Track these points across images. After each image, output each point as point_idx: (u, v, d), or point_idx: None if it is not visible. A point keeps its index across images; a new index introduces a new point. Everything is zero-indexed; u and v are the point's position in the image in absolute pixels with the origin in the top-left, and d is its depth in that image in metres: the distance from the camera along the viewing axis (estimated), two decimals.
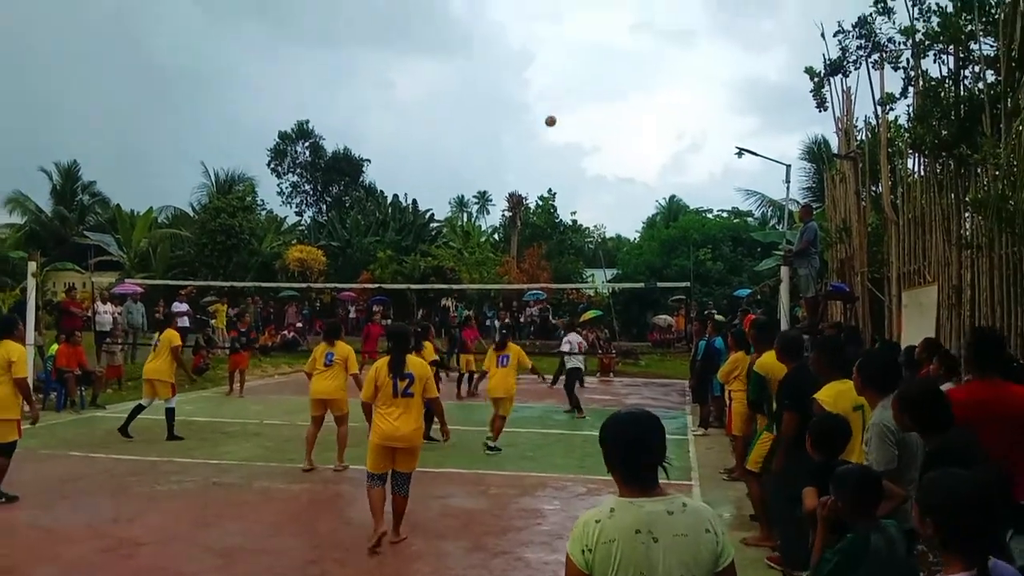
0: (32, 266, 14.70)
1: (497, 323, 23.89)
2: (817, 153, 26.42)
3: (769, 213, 36.03)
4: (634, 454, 2.42)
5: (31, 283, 14.44)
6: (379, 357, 12.00)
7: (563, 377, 14.95)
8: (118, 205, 38.92)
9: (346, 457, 9.21)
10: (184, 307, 21.11)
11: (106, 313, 17.80)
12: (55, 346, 14.16)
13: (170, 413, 11.09)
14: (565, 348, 14.91)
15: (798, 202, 23.87)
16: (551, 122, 13.48)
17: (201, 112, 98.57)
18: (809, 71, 13.58)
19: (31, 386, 11.10)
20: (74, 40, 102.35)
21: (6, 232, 37.42)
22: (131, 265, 33.70)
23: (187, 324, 21.05)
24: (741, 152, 24.93)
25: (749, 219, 38.32)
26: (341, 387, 9.28)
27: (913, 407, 3.64)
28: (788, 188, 21.21)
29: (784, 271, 11.91)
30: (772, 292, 23.55)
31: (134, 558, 6.28)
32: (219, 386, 17.39)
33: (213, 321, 22.42)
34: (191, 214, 39.04)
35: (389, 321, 30.16)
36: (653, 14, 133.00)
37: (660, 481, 2.44)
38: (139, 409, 11.07)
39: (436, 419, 7.24)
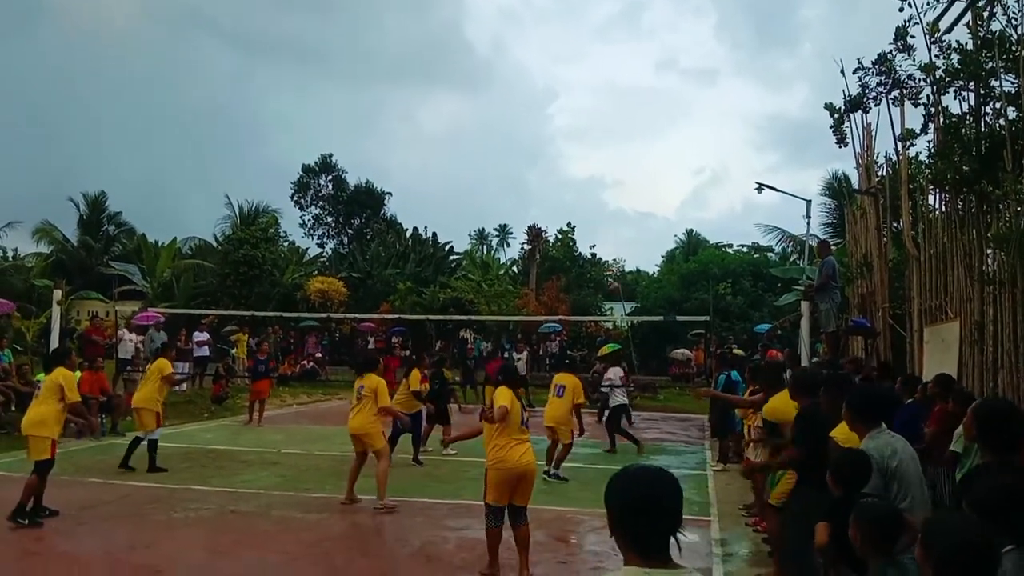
0: (57, 294, 14.97)
1: (515, 355, 23.78)
2: (837, 189, 26.32)
3: (789, 248, 35.88)
4: (651, 519, 2.11)
5: (56, 311, 14.69)
6: (396, 388, 12.05)
7: (607, 411, 14.70)
8: (143, 235, 39.61)
9: (358, 488, 9.11)
10: (205, 336, 21.29)
11: (129, 341, 17.97)
12: (78, 373, 14.29)
13: (152, 445, 10.78)
14: (608, 384, 14.79)
15: (818, 237, 23.75)
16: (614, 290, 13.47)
17: (226, 146, 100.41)
18: (829, 107, 13.57)
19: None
20: (103, 74, 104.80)
21: (33, 261, 38.08)
22: (154, 294, 34.11)
23: (207, 353, 21.26)
24: (761, 187, 25.03)
25: (769, 254, 38.22)
26: (371, 421, 8.98)
27: (986, 423, 3.67)
28: (808, 223, 21.20)
29: (805, 306, 11.85)
30: (793, 327, 23.39)
31: None
32: (238, 415, 17.45)
33: (234, 351, 22.56)
34: (214, 245, 39.55)
35: (407, 352, 30.28)
36: (677, 53, 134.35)
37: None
38: (137, 441, 10.89)
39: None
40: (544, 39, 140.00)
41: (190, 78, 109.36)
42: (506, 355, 31.70)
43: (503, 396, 6.45)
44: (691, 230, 50.64)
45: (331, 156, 52.40)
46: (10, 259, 37.94)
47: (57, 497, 8.96)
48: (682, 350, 27.79)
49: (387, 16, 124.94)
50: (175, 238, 39.11)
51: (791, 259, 35.32)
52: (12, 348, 17.22)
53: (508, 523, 6.40)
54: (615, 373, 14.98)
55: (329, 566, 6.86)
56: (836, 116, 13.62)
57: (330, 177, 52.28)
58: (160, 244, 38.07)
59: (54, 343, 14.27)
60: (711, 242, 46.34)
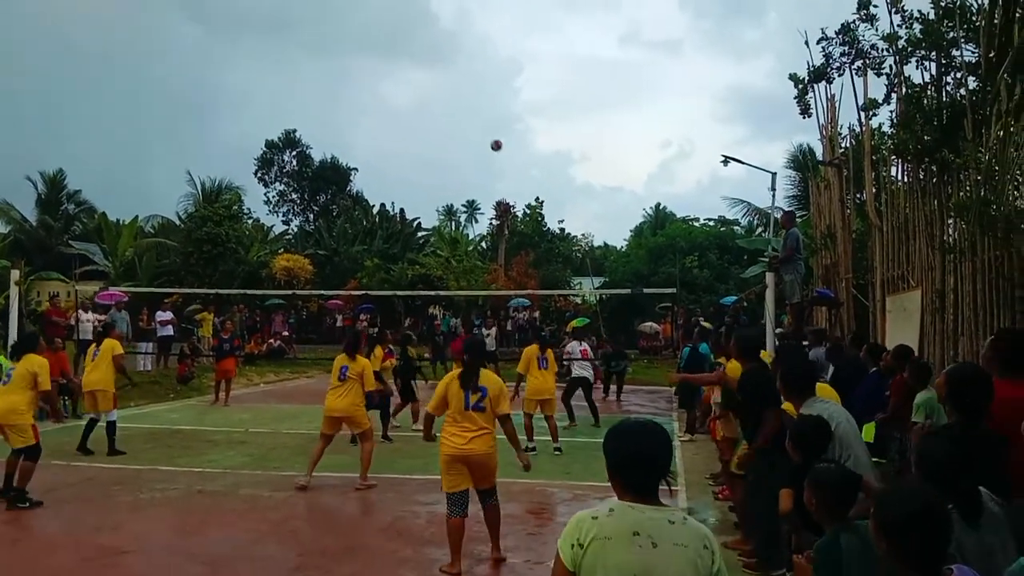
0: (15, 274, 14.57)
1: (484, 330, 23.75)
2: (802, 161, 26.58)
3: (755, 221, 36.23)
4: (641, 465, 2.40)
5: (14, 292, 14.30)
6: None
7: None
8: (104, 214, 38.71)
9: (324, 466, 9.09)
10: (168, 315, 20.94)
11: (88, 322, 17.63)
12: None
13: (111, 427, 10.62)
14: (567, 358, 14.91)
15: (783, 210, 24.01)
16: (496, 146, 13.08)
17: (188, 121, 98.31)
18: (793, 78, 13.65)
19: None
20: (59, 49, 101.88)
21: None
22: (116, 274, 33.46)
23: (171, 333, 20.94)
24: (727, 160, 24.99)
25: (735, 227, 38.56)
26: (356, 403, 8.90)
27: (958, 386, 3.74)
28: (774, 196, 21.31)
29: (770, 277, 11.95)
30: (758, 299, 23.65)
31: (116, 567, 6.22)
32: (204, 395, 17.27)
33: (199, 330, 22.27)
34: (177, 223, 38.87)
35: (375, 330, 30.11)
36: (640, 25, 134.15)
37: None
38: (92, 424, 10.69)
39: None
40: (509, 10, 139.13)
41: (149, 51, 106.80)
42: (475, 331, 31.77)
43: (440, 384, 6.29)
44: (659, 204, 50.87)
45: (295, 131, 51.63)
46: None
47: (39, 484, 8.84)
48: (650, 323, 28.02)
49: None
50: (136, 216, 38.33)
51: (757, 232, 35.68)
52: None
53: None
54: (574, 347, 15.05)
55: (297, 543, 6.82)
56: (800, 87, 13.72)
57: (294, 153, 51.52)
58: (122, 223, 37.26)
59: (13, 325, 13.94)
60: (678, 216, 46.59)
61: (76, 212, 42.20)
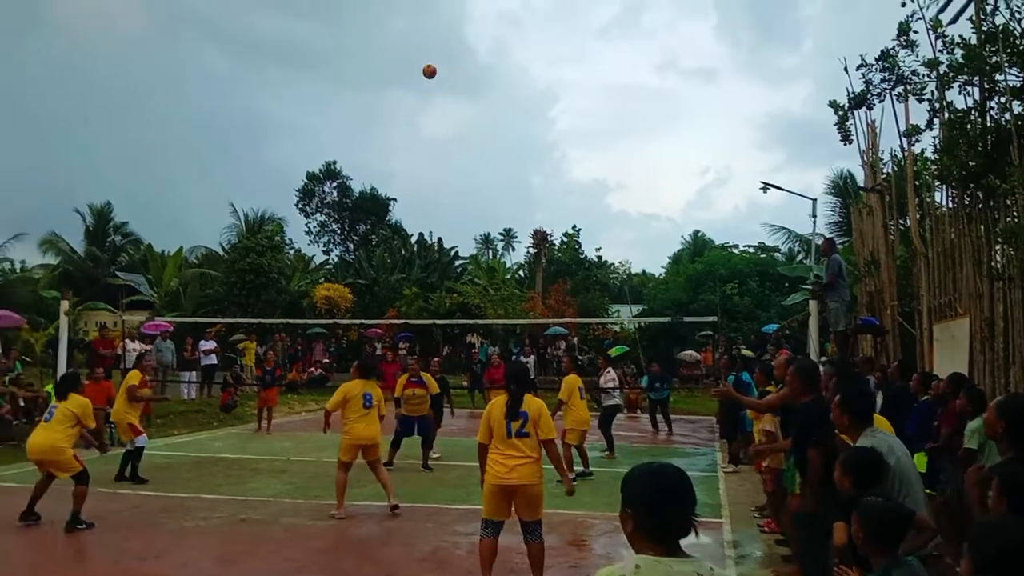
0: (64, 305, 15.02)
1: (523, 358, 23.72)
2: (843, 187, 26.27)
3: (796, 248, 35.82)
4: (666, 510, 2.23)
5: (63, 322, 14.74)
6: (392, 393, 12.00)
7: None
8: (149, 245, 39.72)
9: (364, 495, 9.13)
10: (212, 345, 21.32)
11: (134, 351, 17.99)
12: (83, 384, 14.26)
13: (137, 453, 10.70)
14: (602, 387, 14.79)
15: (824, 236, 23.72)
16: (430, 72, 12.36)
17: (231, 154, 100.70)
18: (833, 105, 13.55)
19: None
20: (105, 84, 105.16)
21: (40, 272, 38.20)
22: (161, 304, 34.22)
23: (214, 361, 21.30)
24: (766, 187, 24.94)
25: (776, 254, 38.14)
26: (379, 432, 8.96)
27: (1010, 416, 3.63)
28: (815, 222, 21.12)
29: (813, 305, 11.79)
30: (801, 327, 23.28)
31: None
32: (247, 423, 17.46)
33: (242, 359, 22.59)
34: (221, 254, 39.67)
35: (413, 359, 30.23)
36: (675, 53, 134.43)
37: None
38: (128, 454, 10.79)
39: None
40: (545, 41, 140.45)
41: (192, 86, 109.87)
42: (514, 358, 31.72)
43: (484, 411, 6.21)
44: (697, 231, 50.48)
45: (335, 163, 52.63)
46: (17, 271, 38.12)
47: (68, 507, 8.99)
48: (690, 351, 27.71)
49: (388, 20, 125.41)
50: (181, 247, 39.27)
51: (798, 258, 35.25)
52: (21, 360, 17.27)
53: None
54: (608, 375, 14.93)
55: (338, 572, 6.84)
56: (840, 113, 13.60)
57: (335, 184, 52.43)
58: (167, 254, 38.18)
59: (62, 354, 14.35)
60: (717, 243, 46.24)
61: (123, 243, 43.34)
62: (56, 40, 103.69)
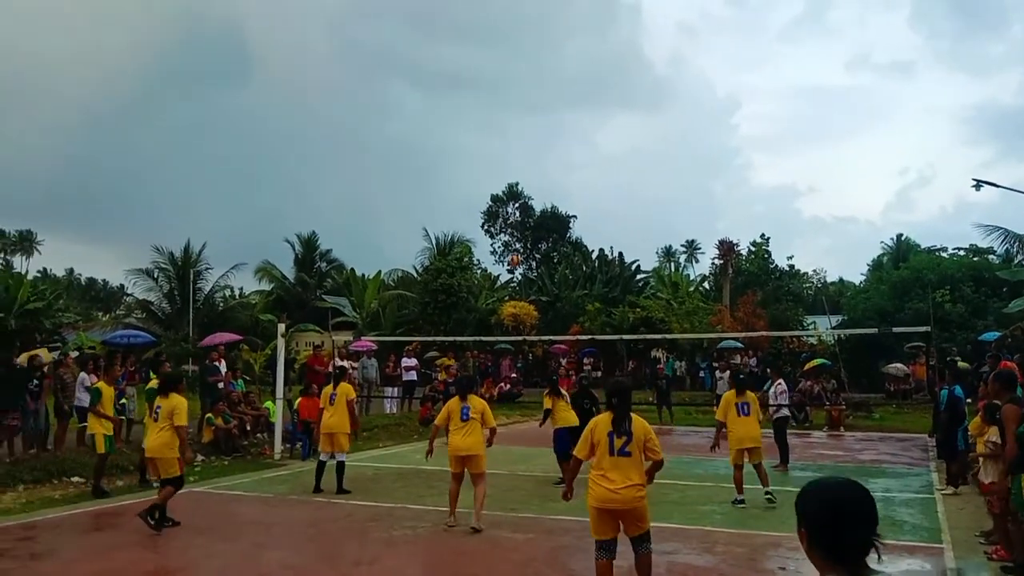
0: (281, 328, 16.43)
1: (718, 373, 23.08)
2: None
3: (1015, 249, 32.39)
4: (848, 529, 2.03)
5: (280, 343, 16.13)
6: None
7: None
8: (352, 270, 42.64)
9: (564, 509, 9.20)
10: (413, 362, 22.58)
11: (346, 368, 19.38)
12: (299, 399, 15.54)
13: (341, 466, 11.22)
14: (774, 404, 14.14)
15: None
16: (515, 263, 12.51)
17: (422, 182, 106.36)
18: None
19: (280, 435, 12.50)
20: (312, 128, 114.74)
21: (256, 298, 41.92)
22: (363, 324, 36.56)
23: (415, 378, 22.52)
24: (979, 184, 22.82)
25: (991, 256, 34.72)
26: (480, 443, 9.07)
27: None
28: None
29: None
30: None
31: None
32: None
33: (438, 375, 23.69)
34: (415, 276, 41.81)
35: (599, 373, 30.35)
36: (868, 48, 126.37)
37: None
38: (322, 465, 11.28)
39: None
40: (724, 49, 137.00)
41: (385, 120, 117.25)
42: (701, 374, 30.90)
43: (587, 426, 6.15)
44: (900, 234, 46.93)
45: (517, 184, 54.18)
46: (237, 297, 41.96)
47: (288, 515, 9.87)
48: (897, 364, 25.77)
49: (565, 42, 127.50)
50: (380, 271, 41.83)
51: (1016, 260, 31.90)
52: (243, 379, 19.08)
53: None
54: (779, 387, 14.18)
55: None
56: None
57: (517, 204, 53.92)
58: (367, 277, 40.77)
59: (280, 371, 15.71)
60: (923, 246, 42.69)
61: (328, 269, 46.72)
62: (263, 89, 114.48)
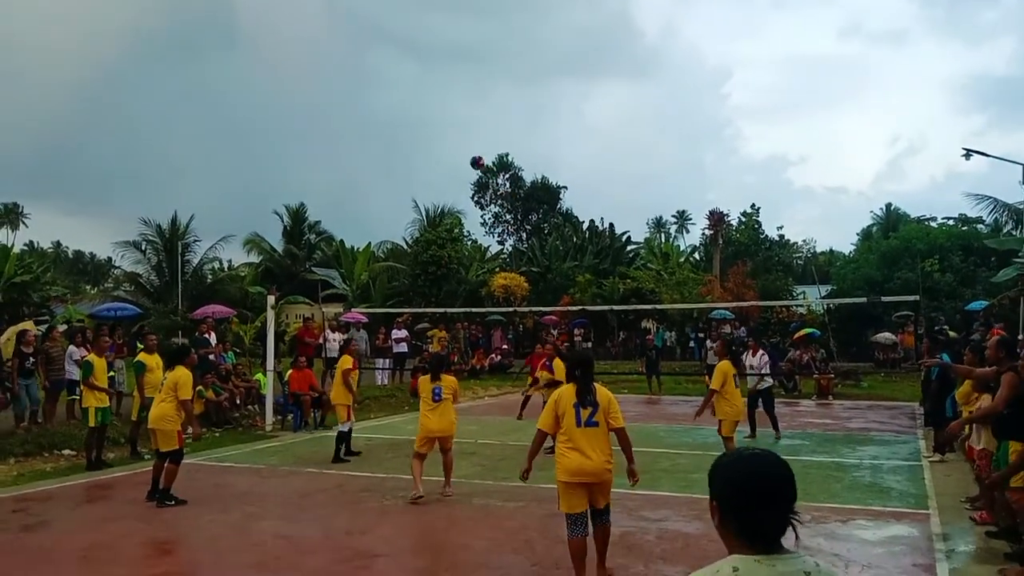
0: (271, 300, 16.38)
1: (709, 343, 23.17)
2: None
3: (1003, 218, 32.58)
4: (761, 508, 1.89)
5: (270, 315, 16.08)
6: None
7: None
8: (341, 241, 42.37)
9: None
10: (403, 334, 22.55)
11: (334, 340, 19.34)
12: (289, 371, 15.51)
13: (339, 436, 11.54)
14: (750, 371, 14.14)
15: None
16: (478, 163, 12.24)
17: (412, 153, 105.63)
18: None
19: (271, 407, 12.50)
20: (298, 98, 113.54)
21: (245, 270, 41.71)
22: (353, 296, 36.47)
23: (405, 349, 22.52)
24: (969, 154, 22.88)
25: (979, 226, 34.95)
26: (453, 422, 9.25)
27: None
28: None
29: None
30: (1012, 304, 21.16)
31: (369, 569, 6.77)
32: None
33: (429, 346, 23.70)
34: (405, 247, 41.67)
35: (589, 344, 30.46)
36: (861, 16, 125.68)
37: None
38: (341, 435, 11.58)
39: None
40: (716, 17, 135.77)
41: (373, 90, 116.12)
42: (691, 344, 31.07)
43: (550, 399, 6.17)
44: (889, 204, 47.01)
45: (507, 155, 53.79)
46: (226, 269, 41.71)
47: (280, 486, 9.92)
48: (886, 333, 25.96)
49: (555, 12, 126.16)
50: (369, 243, 41.56)
51: (1005, 230, 32.11)
52: (233, 351, 19.02)
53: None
54: (760, 359, 14.12)
55: (531, 553, 7.04)
56: None
57: (507, 175, 53.65)
58: (356, 249, 40.58)
59: (270, 344, 15.67)
60: (912, 216, 42.85)
61: (317, 241, 46.41)
62: (252, 59, 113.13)
